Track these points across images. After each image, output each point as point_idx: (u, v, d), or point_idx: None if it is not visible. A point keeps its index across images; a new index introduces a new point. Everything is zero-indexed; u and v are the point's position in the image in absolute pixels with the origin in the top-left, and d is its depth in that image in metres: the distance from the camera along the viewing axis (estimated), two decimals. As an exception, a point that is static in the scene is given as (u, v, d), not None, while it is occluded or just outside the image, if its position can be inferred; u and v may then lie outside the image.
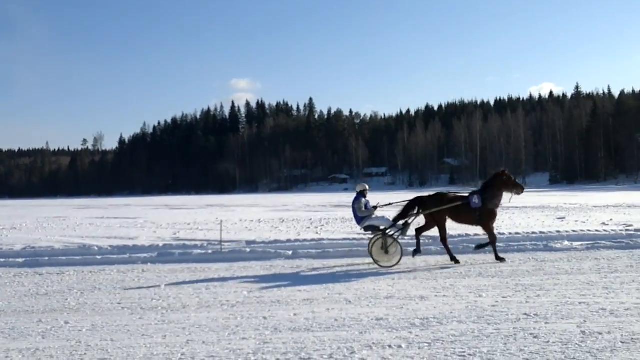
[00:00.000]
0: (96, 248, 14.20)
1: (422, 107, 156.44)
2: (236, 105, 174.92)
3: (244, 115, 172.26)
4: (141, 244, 15.01)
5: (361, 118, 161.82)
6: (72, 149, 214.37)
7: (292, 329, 6.50)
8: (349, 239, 15.16)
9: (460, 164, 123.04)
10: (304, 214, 29.43)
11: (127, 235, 17.92)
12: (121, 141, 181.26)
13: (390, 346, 5.70)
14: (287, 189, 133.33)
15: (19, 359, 5.51)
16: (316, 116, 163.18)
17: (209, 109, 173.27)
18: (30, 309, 7.94)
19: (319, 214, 29.58)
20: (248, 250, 13.67)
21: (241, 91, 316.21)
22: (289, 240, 15.07)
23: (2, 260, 12.87)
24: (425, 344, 5.75)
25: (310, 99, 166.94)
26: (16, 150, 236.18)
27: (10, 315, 7.54)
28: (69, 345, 5.94)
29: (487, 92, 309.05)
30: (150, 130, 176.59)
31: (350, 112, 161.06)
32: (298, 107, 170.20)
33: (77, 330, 6.62)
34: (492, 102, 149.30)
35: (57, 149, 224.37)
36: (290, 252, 13.25)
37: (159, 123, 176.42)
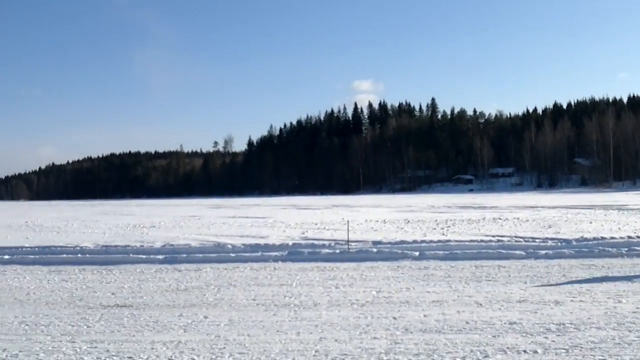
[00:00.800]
0: (230, 246, 14.73)
1: (550, 105, 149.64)
2: (359, 106, 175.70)
3: (366, 116, 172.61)
4: (272, 242, 15.42)
5: (485, 117, 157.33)
6: (204, 150, 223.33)
7: (422, 330, 6.43)
8: (476, 241, 14.81)
9: (592, 164, 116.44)
10: (428, 215, 29.08)
11: (258, 234, 18.46)
12: (250, 143, 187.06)
13: (525, 351, 5.50)
14: (410, 190, 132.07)
15: (163, 351, 5.78)
16: (439, 116, 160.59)
17: (332, 110, 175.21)
18: (171, 303, 8.36)
19: (444, 215, 29.11)
20: (375, 250, 13.69)
21: (364, 92, 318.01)
22: (415, 241, 14.95)
23: (144, 256, 13.64)
24: (563, 350, 5.49)
25: (433, 99, 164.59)
26: (153, 153, 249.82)
27: (153, 309, 7.97)
28: (209, 339, 6.19)
29: (619, 89, 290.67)
30: (277, 132, 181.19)
31: (474, 111, 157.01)
32: (420, 108, 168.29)
33: (215, 324, 6.89)
34: (625, 100, 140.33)
35: (190, 151, 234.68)
36: (417, 253, 13.12)
37: (284, 125, 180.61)
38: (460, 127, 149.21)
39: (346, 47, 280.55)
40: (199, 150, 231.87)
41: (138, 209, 52.48)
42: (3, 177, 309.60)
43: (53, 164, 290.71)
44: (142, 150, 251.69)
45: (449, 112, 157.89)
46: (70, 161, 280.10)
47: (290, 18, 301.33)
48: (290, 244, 15.02)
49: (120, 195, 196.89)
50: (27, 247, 15.23)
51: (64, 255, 14.04)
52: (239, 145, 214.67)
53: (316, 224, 23.62)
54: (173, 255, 13.75)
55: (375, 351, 5.60)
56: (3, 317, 7.49)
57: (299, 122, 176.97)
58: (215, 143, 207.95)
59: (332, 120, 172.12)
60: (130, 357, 5.53)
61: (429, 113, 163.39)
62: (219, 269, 11.92)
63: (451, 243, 14.51)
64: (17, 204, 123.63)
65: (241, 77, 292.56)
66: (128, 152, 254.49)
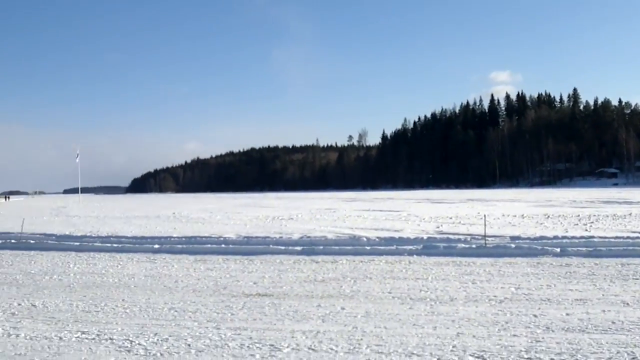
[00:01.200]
0: (365, 239, 14.84)
1: None
2: (495, 98, 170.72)
3: (503, 108, 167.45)
4: (406, 236, 15.36)
5: (632, 108, 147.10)
6: (339, 144, 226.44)
7: (565, 329, 6.17)
8: (622, 237, 13.96)
9: None
10: (570, 210, 27.73)
11: (393, 227, 18.46)
12: (383, 137, 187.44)
13: (680, 355, 5.14)
14: (549, 184, 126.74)
15: (302, 340, 5.94)
16: (581, 107, 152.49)
17: (467, 102, 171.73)
18: (309, 293, 8.57)
19: (586, 210, 27.64)
20: (513, 245, 13.27)
21: (501, 84, 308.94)
22: (555, 237, 14.34)
23: (282, 247, 14.07)
24: None
25: (575, 89, 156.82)
26: (290, 147, 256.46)
27: (293, 298, 8.20)
28: (346, 330, 6.29)
29: None
30: (411, 125, 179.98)
31: (620, 101, 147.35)
32: (561, 98, 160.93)
33: (352, 316, 6.98)
34: None
35: (326, 145, 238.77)
36: (558, 249, 12.55)
37: (419, 118, 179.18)
38: (605, 118, 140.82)
39: (483, 38, 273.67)
40: (334, 144, 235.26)
41: (276, 202, 54.13)
42: (152, 171, 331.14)
43: (198, 158, 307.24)
44: (280, 145, 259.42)
45: (592, 103, 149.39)
46: (214, 155, 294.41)
47: (425, 11, 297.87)
48: (425, 237, 14.88)
49: (259, 188, 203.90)
50: (174, 237, 16.14)
51: (209, 245, 14.76)
52: (373, 139, 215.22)
53: (451, 218, 23.24)
54: (310, 247, 14.06)
55: (515, 349, 5.46)
56: (154, 303, 8.00)
57: (433, 115, 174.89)
58: (350, 137, 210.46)
59: (467, 113, 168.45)
60: (272, 345, 5.73)
61: (570, 104, 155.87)
62: (355, 261, 12.05)
63: (595, 239, 13.75)
64: (164, 196, 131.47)
65: (376, 72, 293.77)
66: (267, 146, 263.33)
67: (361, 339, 5.92)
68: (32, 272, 11.43)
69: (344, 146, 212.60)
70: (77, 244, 15.83)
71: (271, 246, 14.31)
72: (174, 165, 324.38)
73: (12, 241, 16.78)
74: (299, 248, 13.97)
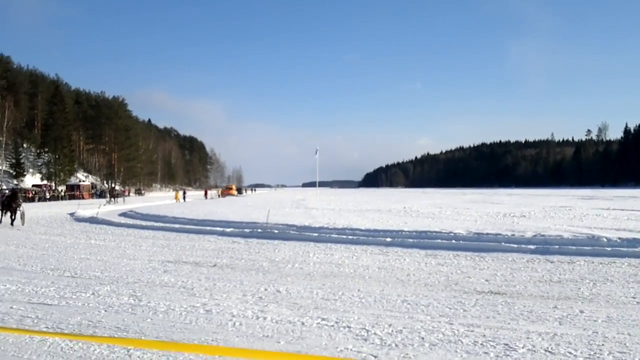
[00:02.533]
0: (605, 239, 13.87)
1: None
2: None
3: None
4: (654, 238, 14.06)
5: None
6: (576, 139, 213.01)
7: None
8: None
9: None
10: None
11: (637, 228, 16.99)
12: (626, 131, 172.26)
13: None
14: None
15: (538, 341, 5.78)
16: None
17: None
18: (545, 294, 8.27)
19: None
20: None
21: None
22: None
23: (515, 245, 13.68)
24: None
25: None
26: (523, 142, 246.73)
27: (527, 298, 7.98)
28: (586, 335, 6.00)
29: None
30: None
31: None
32: None
33: (592, 320, 6.63)
34: None
35: (561, 140, 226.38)
36: None
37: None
38: None
39: None
40: (570, 139, 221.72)
41: (507, 198, 52.54)
42: (383, 166, 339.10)
43: (428, 153, 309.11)
44: (512, 140, 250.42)
45: None
46: (444, 151, 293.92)
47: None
48: (678, 240, 13.49)
49: (489, 184, 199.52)
50: (405, 231, 16.43)
51: (439, 241, 14.82)
52: (615, 133, 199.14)
53: None
54: (544, 246, 13.50)
55: None
56: (388, 295, 8.27)
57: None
58: (588, 131, 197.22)
59: None
60: (506, 344, 5.66)
61: None
62: (594, 262, 11.37)
63: None
64: (395, 191, 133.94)
65: (619, 63, 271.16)
66: (498, 141, 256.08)
67: (602, 345, 5.62)
68: (276, 259, 12.41)
69: (581, 141, 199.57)
70: (316, 234, 16.82)
71: (503, 244, 13.97)
72: (405, 161, 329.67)
73: (259, 230, 18.33)
74: (532, 246, 13.48)
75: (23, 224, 23.60)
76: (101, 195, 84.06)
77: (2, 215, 24.81)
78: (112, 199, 58.38)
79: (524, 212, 26.22)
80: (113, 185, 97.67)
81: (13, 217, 23.92)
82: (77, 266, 11.57)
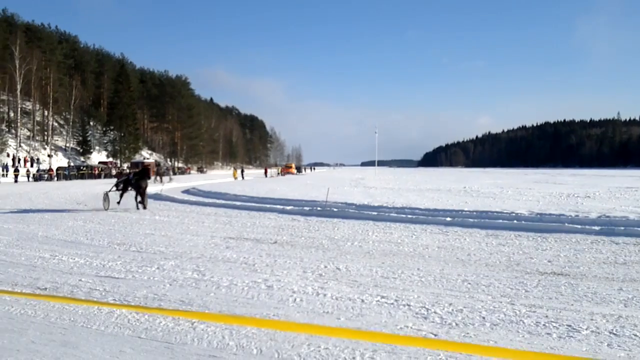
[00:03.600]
0: (674, 221, 13.42)
1: None
2: None
3: None
4: None
5: None
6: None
7: None
8: None
9: None
10: None
11: None
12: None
13: None
14: None
15: (602, 323, 5.68)
16: None
17: None
18: (609, 276, 8.09)
19: None
20: None
21: None
22: None
23: (579, 226, 13.37)
24: None
25: None
26: (588, 121, 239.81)
27: (591, 280, 7.82)
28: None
29: None
30: None
31: None
32: None
33: (661, 304, 6.47)
34: None
35: (628, 119, 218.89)
36: None
37: None
38: None
39: None
40: (637, 118, 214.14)
41: (571, 179, 51.27)
42: (443, 145, 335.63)
43: (489, 132, 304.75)
44: (577, 119, 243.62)
45: None
46: (505, 130, 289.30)
47: None
48: None
49: (552, 164, 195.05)
50: (466, 211, 16.27)
51: (500, 221, 14.63)
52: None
53: None
54: (610, 227, 13.15)
55: None
56: (448, 274, 8.25)
57: None
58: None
59: None
60: (569, 325, 5.58)
61: None
62: (662, 244, 11.03)
63: None
64: (455, 170, 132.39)
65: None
66: (562, 120, 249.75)
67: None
68: (336, 237, 12.49)
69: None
70: (375, 213, 16.83)
71: (566, 224, 13.68)
72: (465, 140, 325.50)
73: (318, 209, 18.45)
74: (596, 228, 13.16)
75: (145, 207, 19.97)
76: (165, 173, 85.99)
77: (120, 197, 21.10)
78: (159, 178, 49.22)
79: (589, 193, 25.56)
80: (160, 162, 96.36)
81: (140, 200, 20.07)
82: (142, 241, 11.92)
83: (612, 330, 5.44)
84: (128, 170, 23.45)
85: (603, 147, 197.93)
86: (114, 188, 21.54)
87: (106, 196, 20.73)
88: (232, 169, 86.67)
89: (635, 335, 5.28)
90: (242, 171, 70.66)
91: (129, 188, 20.87)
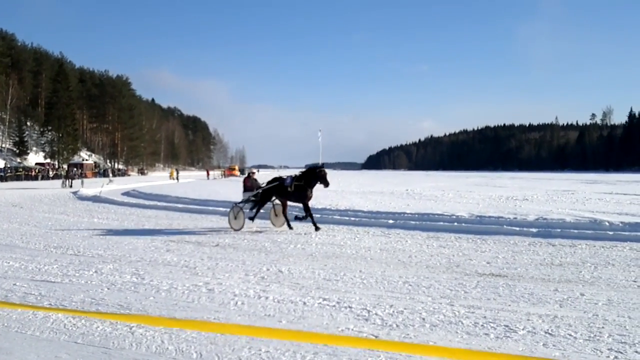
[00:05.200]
0: (607, 223, 13.86)
1: None
2: None
3: None
4: (656, 222, 14.06)
5: None
6: (580, 123, 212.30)
7: None
8: None
9: None
10: None
11: (639, 212, 16.98)
12: (631, 115, 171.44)
13: None
14: None
15: (539, 323, 5.80)
16: None
17: None
18: (546, 277, 8.28)
19: None
20: None
21: None
22: None
23: (517, 228, 13.69)
24: None
25: None
26: (527, 125, 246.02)
27: (528, 281, 8.00)
28: (586, 317, 6.02)
29: None
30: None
31: None
32: None
33: (592, 303, 6.65)
34: None
35: (565, 124, 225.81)
36: None
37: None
38: None
39: None
40: (574, 123, 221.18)
41: (510, 182, 52.50)
42: (387, 148, 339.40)
43: (431, 136, 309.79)
44: (517, 123, 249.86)
45: None
46: (447, 133, 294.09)
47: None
48: (680, 225, 13.49)
49: (492, 167, 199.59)
50: (408, 214, 16.43)
51: (441, 223, 14.84)
52: (619, 118, 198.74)
53: None
54: (547, 229, 13.51)
55: None
56: (389, 276, 8.30)
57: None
58: (593, 115, 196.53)
59: None
60: (507, 326, 5.68)
61: None
62: (595, 246, 11.37)
63: None
64: (398, 173, 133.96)
65: (625, 49, 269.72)
66: (502, 124, 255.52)
67: (602, 327, 5.64)
68: (278, 240, 12.45)
69: (586, 125, 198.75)
70: (318, 215, 16.76)
71: (505, 226, 13.99)
72: (408, 143, 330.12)
73: (262, 211, 18.31)
74: (534, 230, 13.50)
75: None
76: (104, 174, 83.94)
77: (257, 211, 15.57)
78: (67, 181, 49.47)
79: (527, 196, 26.19)
80: (66, 165, 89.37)
81: (305, 216, 15.42)
82: (80, 244, 11.63)
83: (548, 330, 5.56)
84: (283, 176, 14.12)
85: (541, 150, 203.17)
86: (249, 197, 15.52)
87: (239, 211, 14.94)
88: (170, 170, 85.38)
89: (570, 335, 5.41)
90: (178, 172, 69.86)
91: (274, 199, 15.43)
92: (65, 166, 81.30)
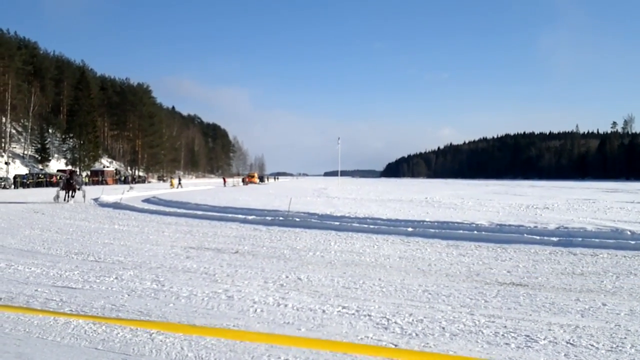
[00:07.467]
0: (629, 232, 13.71)
1: None
2: None
3: None
4: (680, 232, 13.87)
5: None
6: (601, 131, 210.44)
7: None
8: None
9: None
10: None
11: (663, 221, 16.76)
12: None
13: None
14: None
15: (560, 333, 5.74)
16: None
17: None
18: (567, 286, 8.20)
19: None
20: None
21: None
22: None
23: (537, 237, 13.58)
24: None
25: None
26: (547, 133, 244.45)
27: (549, 290, 7.93)
28: (608, 327, 5.95)
29: None
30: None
31: None
32: None
33: (615, 313, 6.58)
34: None
35: (586, 132, 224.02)
36: None
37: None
38: None
39: None
40: (595, 131, 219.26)
41: (530, 190, 52.14)
42: (406, 156, 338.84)
43: (451, 144, 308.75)
44: (537, 131, 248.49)
45: None
46: (467, 141, 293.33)
47: None
48: None
49: (512, 176, 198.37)
50: (427, 222, 16.38)
51: (461, 231, 14.76)
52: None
53: None
54: (567, 238, 13.40)
55: None
56: (409, 284, 8.27)
57: None
58: (614, 123, 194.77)
59: None
60: (528, 335, 5.63)
61: None
62: (617, 255, 11.26)
63: None
64: (417, 181, 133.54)
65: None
66: (522, 132, 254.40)
67: (625, 338, 5.57)
68: (298, 247, 12.46)
69: (607, 133, 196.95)
70: (337, 223, 16.84)
71: (525, 235, 13.89)
72: (427, 151, 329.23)
73: (280, 218, 18.39)
74: (555, 239, 13.38)
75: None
76: (125, 181, 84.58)
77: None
78: (66, 194, 30.72)
79: (547, 204, 26.00)
80: (69, 169, 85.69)
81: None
82: (100, 250, 11.71)
83: (570, 340, 5.50)
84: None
85: (562, 159, 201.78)
86: None
87: None
88: (170, 179, 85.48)
89: (592, 345, 5.35)
90: (180, 180, 70.29)
91: None
92: (64, 170, 70.65)
